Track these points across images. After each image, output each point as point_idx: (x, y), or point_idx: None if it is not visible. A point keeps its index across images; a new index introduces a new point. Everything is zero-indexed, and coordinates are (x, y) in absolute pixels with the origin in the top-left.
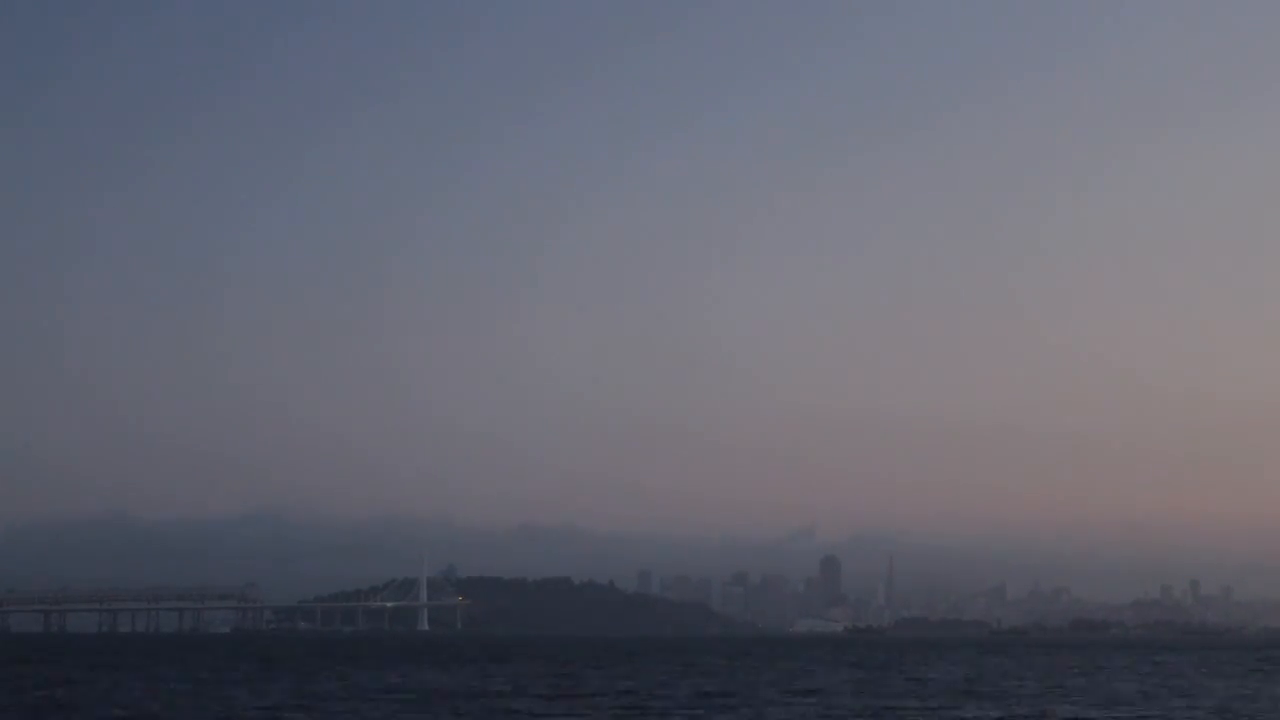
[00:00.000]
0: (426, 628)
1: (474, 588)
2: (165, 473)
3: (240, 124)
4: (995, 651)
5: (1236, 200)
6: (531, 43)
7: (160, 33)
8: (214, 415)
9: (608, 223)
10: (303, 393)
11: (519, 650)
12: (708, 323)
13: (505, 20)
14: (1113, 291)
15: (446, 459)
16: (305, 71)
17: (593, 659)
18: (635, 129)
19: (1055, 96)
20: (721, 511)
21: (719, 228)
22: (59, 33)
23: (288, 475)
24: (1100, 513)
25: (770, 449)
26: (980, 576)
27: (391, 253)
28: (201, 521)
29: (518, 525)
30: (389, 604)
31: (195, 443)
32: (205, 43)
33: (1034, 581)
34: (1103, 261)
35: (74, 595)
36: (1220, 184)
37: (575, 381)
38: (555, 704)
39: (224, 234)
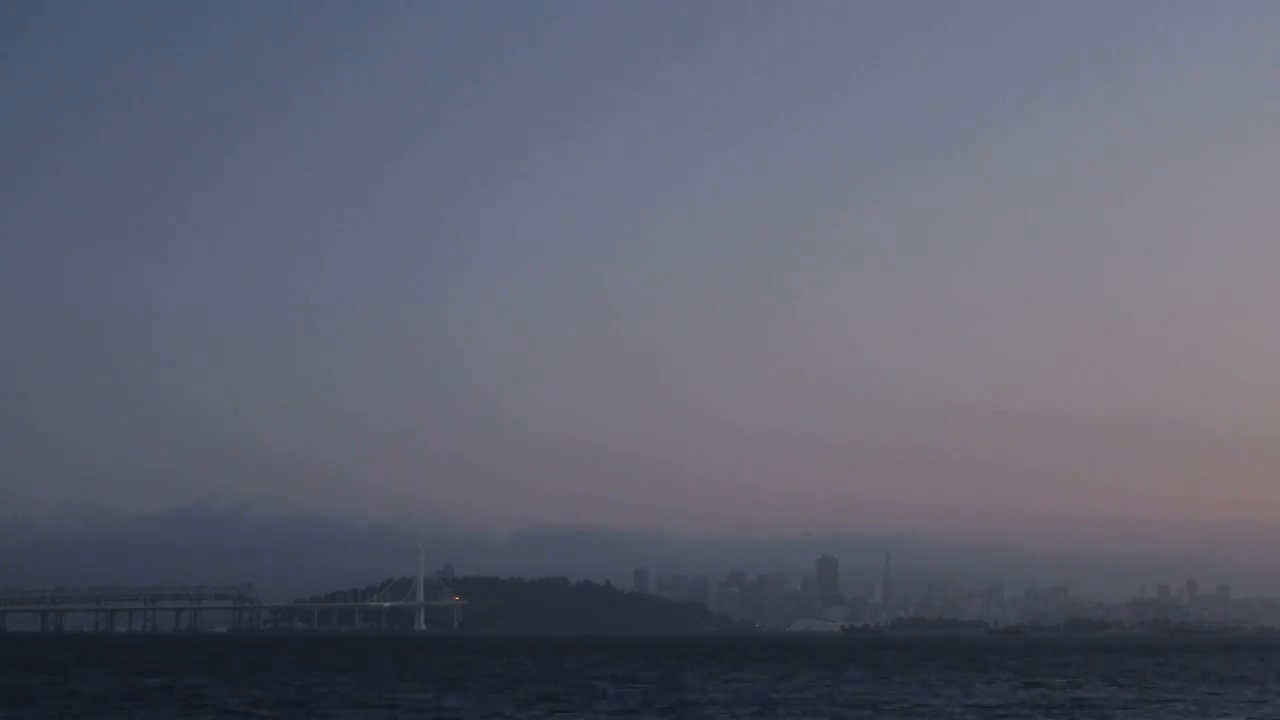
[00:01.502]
0: (423, 628)
1: (471, 588)
2: (161, 471)
3: (293, 146)
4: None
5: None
6: (596, 49)
7: (215, 53)
8: (211, 413)
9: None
10: (303, 393)
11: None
12: (708, 324)
13: (575, 26)
14: (1123, 289)
15: (443, 459)
16: (365, 87)
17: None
18: (708, 128)
19: (1139, 96)
20: (718, 511)
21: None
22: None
23: (285, 475)
24: (1097, 512)
25: (767, 448)
26: (977, 576)
27: (422, 259)
28: (198, 520)
29: (514, 525)
30: (386, 604)
31: (195, 440)
32: (255, 69)
33: (1030, 581)
34: (1113, 257)
35: (71, 595)
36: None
37: (571, 381)
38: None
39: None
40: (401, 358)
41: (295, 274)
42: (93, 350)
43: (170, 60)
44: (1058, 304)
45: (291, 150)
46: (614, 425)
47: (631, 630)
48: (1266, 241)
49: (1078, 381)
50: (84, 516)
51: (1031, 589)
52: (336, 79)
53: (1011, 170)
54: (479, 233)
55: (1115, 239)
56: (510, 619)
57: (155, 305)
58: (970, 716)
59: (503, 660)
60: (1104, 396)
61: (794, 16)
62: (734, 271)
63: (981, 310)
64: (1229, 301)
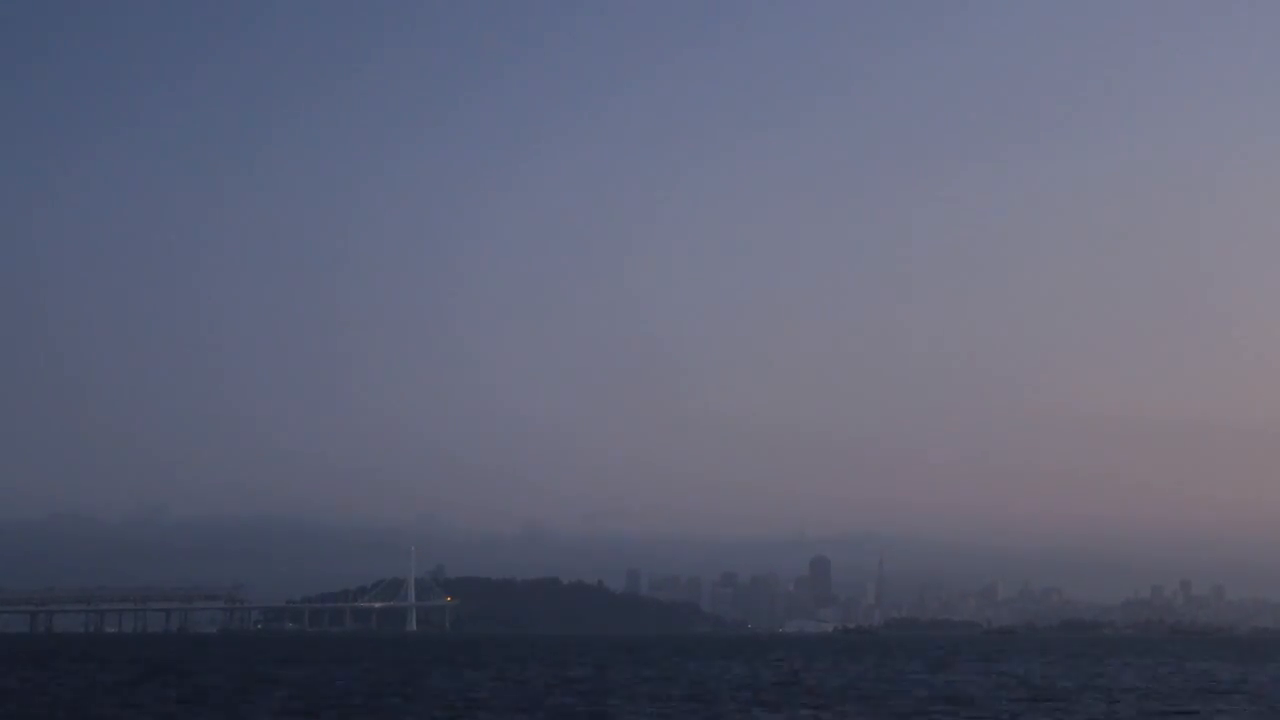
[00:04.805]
0: (414, 628)
1: (462, 588)
2: (154, 473)
3: (312, 142)
4: None
5: None
6: (602, 48)
7: (231, 55)
8: (202, 415)
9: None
10: (291, 394)
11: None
12: (703, 322)
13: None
14: (1117, 287)
15: (435, 459)
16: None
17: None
18: (726, 122)
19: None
20: (711, 511)
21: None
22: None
23: (276, 476)
24: (1092, 513)
25: (759, 448)
26: (971, 576)
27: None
28: (189, 522)
29: (506, 526)
30: (376, 604)
31: (184, 443)
32: (265, 69)
33: (1024, 581)
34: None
35: (60, 596)
36: None
37: (560, 384)
38: None
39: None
40: (392, 356)
41: (295, 274)
42: (80, 351)
43: (184, 64)
44: (1056, 303)
45: (298, 149)
46: (607, 425)
47: (624, 631)
48: (1263, 242)
49: (1071, 382)
50: (72, 517)
51: (1025, 589)
52: (346, 81)
53: (1024, 180)
54: (472, 232)
55: (1119, 238)
56: (502, 620)
57: (136, 305)
58: None
59: None
60: (1098, 397)
61: (809, 14)
62: (709, 264)
63: (978, 309)
64: (1229, 301)
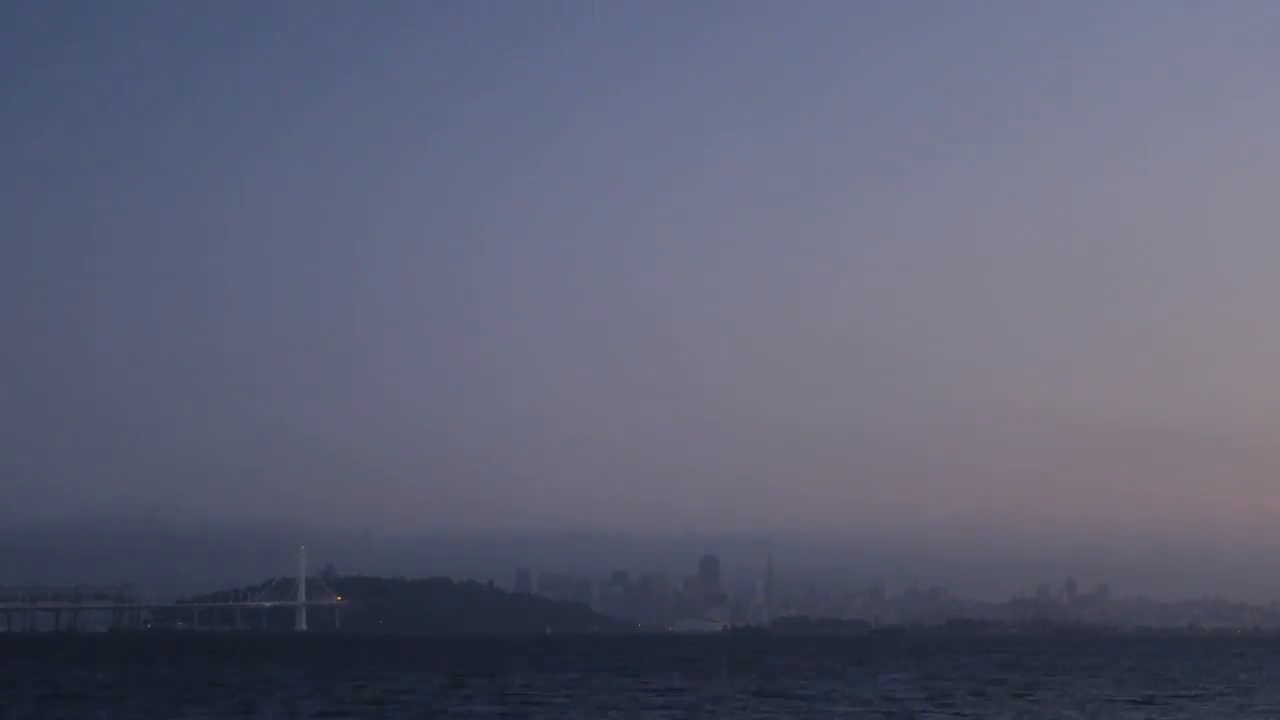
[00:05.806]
0: (305, 628)
1: (353, 587)
2: (41, 470)
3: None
4: None
5: None
6: (615, 41)
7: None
8: (86, 413)
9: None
10: (178, 393)
11: None
12: (598, 323)
13: (595, 19)
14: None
15: (324, 459)
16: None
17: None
18: (730, 116)
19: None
20: (600, 511)
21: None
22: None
23: (165, 474)
24: (977, 512)
25: (647, 448)
26: (858, 576)
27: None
28: (77, 520)
29: (398, 526)
30: (267, 604)
31: (70, 439)
32: (269, 71)
33: (911, 581)
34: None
35: None
36: None
37: (443, 383)
38: None
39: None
40: (277, 355)
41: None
42: None
43: (194, 72)
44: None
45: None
46: (493, 425)
47: (515, 630)
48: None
49: (950, 382)
50: None
51: (912, 589)
52: (352, 80)
53: (976, 172)
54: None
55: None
56: (393, 619)
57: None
58: None
59: None
60: (978, 396)
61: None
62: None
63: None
64: (1139, 302)
